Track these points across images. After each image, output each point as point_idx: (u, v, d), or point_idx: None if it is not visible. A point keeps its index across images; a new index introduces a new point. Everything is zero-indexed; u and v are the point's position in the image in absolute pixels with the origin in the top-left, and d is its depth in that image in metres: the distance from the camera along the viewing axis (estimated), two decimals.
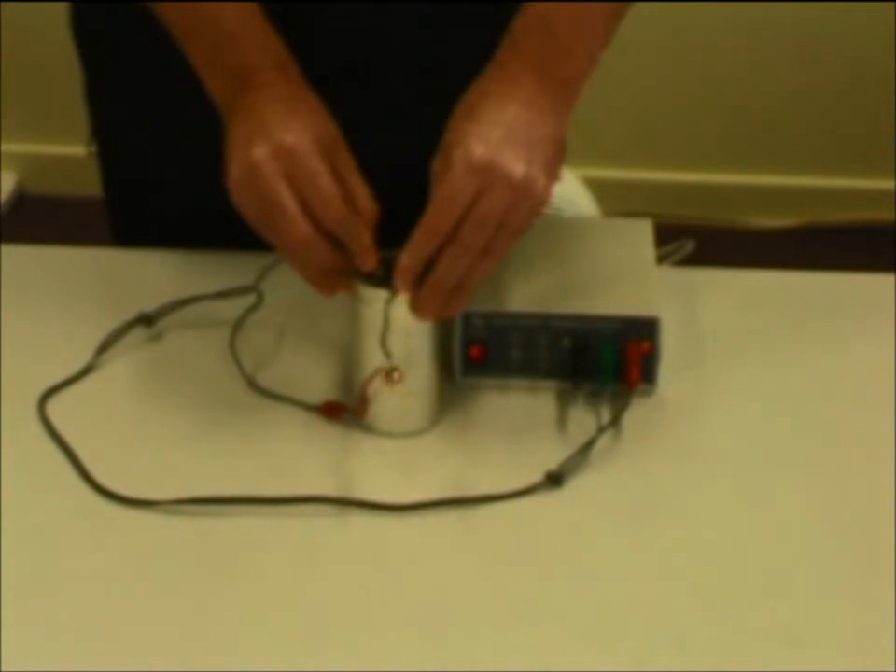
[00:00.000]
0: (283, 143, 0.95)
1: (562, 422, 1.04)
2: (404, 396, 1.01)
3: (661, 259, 1.23)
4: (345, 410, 1.04)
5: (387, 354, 0.99)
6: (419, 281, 0.95)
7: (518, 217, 0.93)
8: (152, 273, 1.20)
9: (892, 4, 2.60)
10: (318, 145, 0.96)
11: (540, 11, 0.97)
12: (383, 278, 0.97)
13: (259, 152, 0.94)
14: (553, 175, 0.95)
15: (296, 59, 1.02)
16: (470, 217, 0.92)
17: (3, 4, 2.63)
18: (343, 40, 1.16)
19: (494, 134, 0.92)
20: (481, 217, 0.92)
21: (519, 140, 0.93)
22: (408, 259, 0.94)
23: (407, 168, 1.00)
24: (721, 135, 2.81)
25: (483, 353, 1.06)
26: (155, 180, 1.26)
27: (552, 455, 0.99)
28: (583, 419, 1.03)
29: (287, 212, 0.94)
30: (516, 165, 0.92)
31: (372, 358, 1.00)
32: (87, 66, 1.25)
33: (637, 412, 1.04)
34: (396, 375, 1.00)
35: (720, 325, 1.15)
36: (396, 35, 1.16)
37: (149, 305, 1.13)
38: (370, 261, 0.96)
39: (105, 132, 1.27)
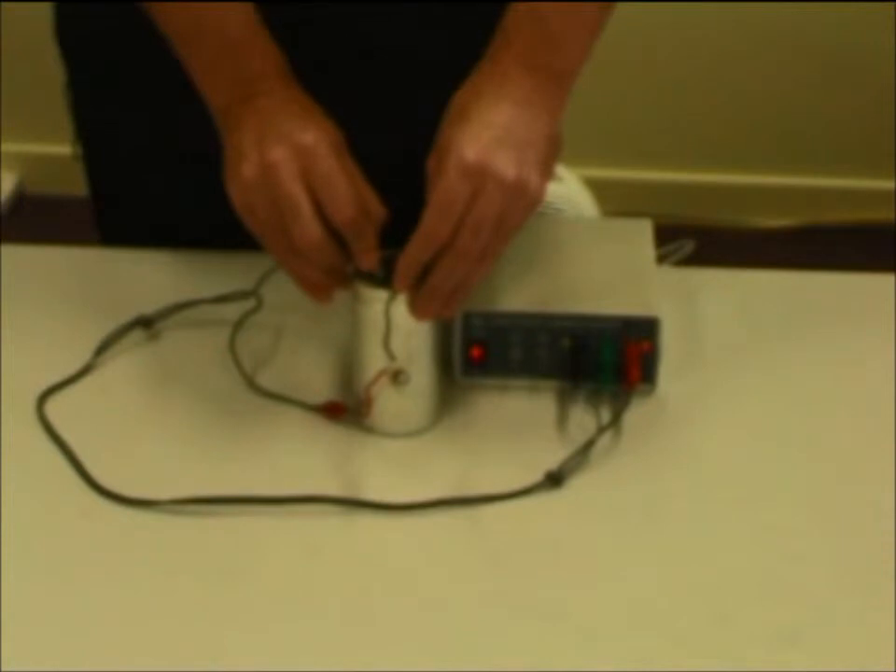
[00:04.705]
0: (301, 143, 0.95)
1: (562, 422, 1.04)
2: (405, 396, 1.01)
3: (661, 259, 1.23)
4: (346, 410, 1.04)
5: (391, 355, 0.99)
6: (418, 283, 0.95)
7: (513, 218, 0.93)
8: (152, 275, 1.20)
9: (892, 4, 2.60)
10: (333, 147, 0.96)
11: (532, 6, 0.97)
12: (383, 278, 0.97)
13: (277, 153, 0.94)
14: (547, 173, 0.95)
15: (292, 59, 1.02)
16: (466, 222, 0.92)
17: (3, 4, 2.63)
18: (341, 40, 1.16)
19: (485, 136, 0.92)
20: (476, 222, 0.92)
21: (511, 141, 0.93)
22: (406, 264, 0.95)
23: (404, 168, 1.00)
24: (721, 135, 2.81)
25: (483, 353, 1.06)
26: (140, 182, 1.26)
27: (552, 455, 0.99)
28: (583, 419, 1.04)
29: (302, 213, 0.94)
30: (508, 167, 0.92)
31: (373, 359, 1.00)
32: (71, 69, 1.24)
33: (637, 412, 1.04)
34: (402, 377, 1.00)
35: (720, 325, 1.15)
36: (393, 34, 1.16)
37: (148, 306, 1.13)
38: (372, 261, 0.97)
39: (90, 134, 1.27)
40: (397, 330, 0.98)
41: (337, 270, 0.97)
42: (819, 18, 2.67)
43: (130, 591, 0.90)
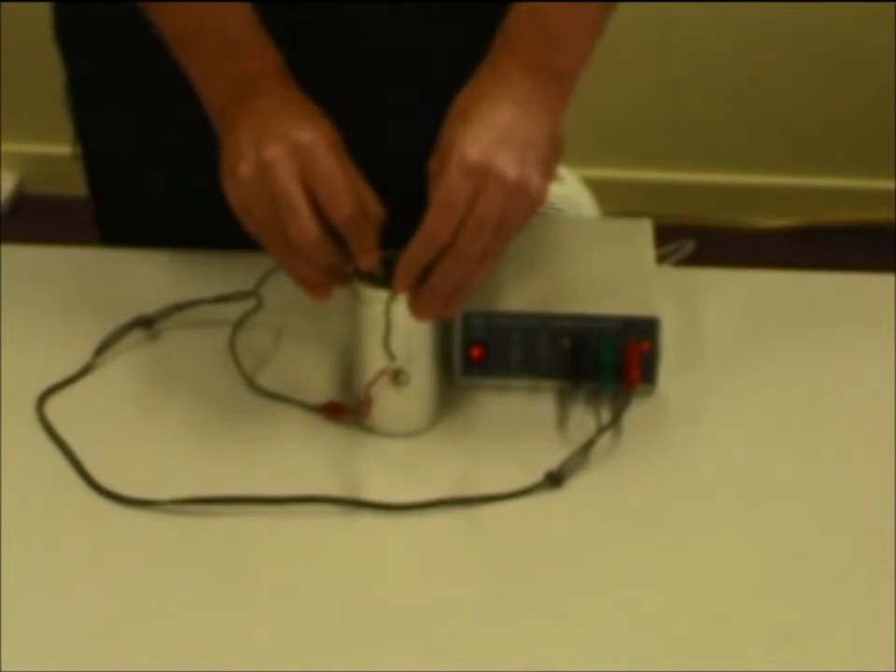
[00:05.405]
0: (298, 142, 0.95)
1: (562, 422, 1.04)
2: (405, 396, 1.01)
3: (661, 259, 1.23)
4: (346, 410, 1.04)
5: (391, 355, 0.99)
6: (418, 283, 0.95)
7: (514, 219, 0.93)
8: (152, 275, 1.20)
9: (892, 4, 2.60)
10: (331, 146, 0.96)
11: (532, 6, 0.97)
12: (383, 278, 0.97)
13: (274, 151, 0.94)
14: (548, 174, 0.95)
15: (292, 59, 1.02)
16: (468, 222, 0.92)
17: (3, 4, 2.63)
18: (341, 40, 1.16)
19: (487, 137, 0.92)
20: (477, 222, 0.92)
21: (512, 141, 0.93)
22: (406, 264, 0.95)
23: (404, 168, 1.00)
24: (721, 135, 2.81)
25: (483, 353, 1.06)
26: (140, 182, 1.26)
27: (552, 455, 0.99)
28: (583, 419, 1.04)
29: (299, 211, 0.94)
30: (510, 167, 0.92)
31: (373, 359, 1.00)
32: (71, 69, 1.24)
33: (637, 412, 1.04)
34: (402, 377, 1.00)
35: (720, 325, 1.15)
36: (393, 34, 1.16)
37: (149, 306, 1.13)
38: (372, 261, 0.97)
39: (90, 134, 1.27)
40: (397, 330, 0.98)
41: (335, 268, 0.97)
42: (819, 18, 2.67)
43: (130, 591, 0.90)
